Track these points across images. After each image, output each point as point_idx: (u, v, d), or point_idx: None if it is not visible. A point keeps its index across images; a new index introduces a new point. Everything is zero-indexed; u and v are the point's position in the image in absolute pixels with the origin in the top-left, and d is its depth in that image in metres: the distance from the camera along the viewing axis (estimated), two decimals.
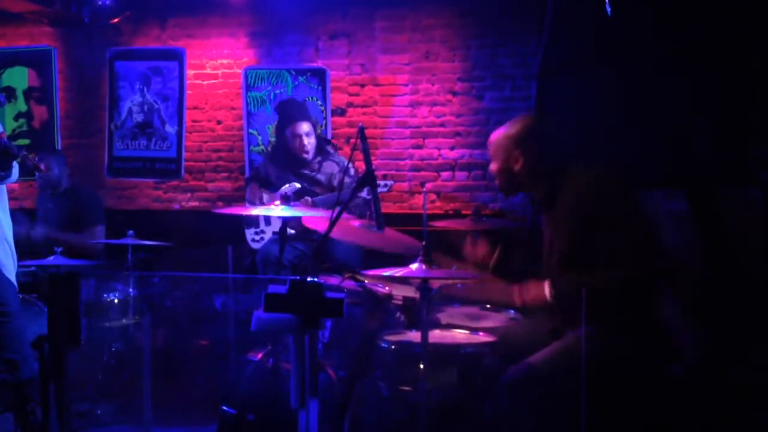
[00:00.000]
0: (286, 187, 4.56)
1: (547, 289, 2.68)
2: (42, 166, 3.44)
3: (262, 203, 4.69)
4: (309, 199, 4.47)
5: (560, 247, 2.75)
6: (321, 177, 4.60)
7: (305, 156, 4.57)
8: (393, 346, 2.86)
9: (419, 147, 5.59)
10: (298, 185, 4.52)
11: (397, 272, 2.54)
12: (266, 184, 4.76)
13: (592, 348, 2.47)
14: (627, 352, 2.60)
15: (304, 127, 4.56)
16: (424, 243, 2.55)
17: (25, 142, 6.24)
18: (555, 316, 2.80)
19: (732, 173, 4.00)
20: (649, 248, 2.64)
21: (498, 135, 2.86)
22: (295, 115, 4.67)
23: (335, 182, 4.57)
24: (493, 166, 2.87)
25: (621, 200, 2.68)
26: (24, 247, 4.34)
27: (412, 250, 2.63)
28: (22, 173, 3.77)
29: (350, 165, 4.61)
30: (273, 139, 5.79)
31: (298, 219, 3.62)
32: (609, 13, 4.06)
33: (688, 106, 4.08)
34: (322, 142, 4.72)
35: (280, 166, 4.71)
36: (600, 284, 2.56)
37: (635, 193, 2.74)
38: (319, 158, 4.63)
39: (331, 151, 4.74)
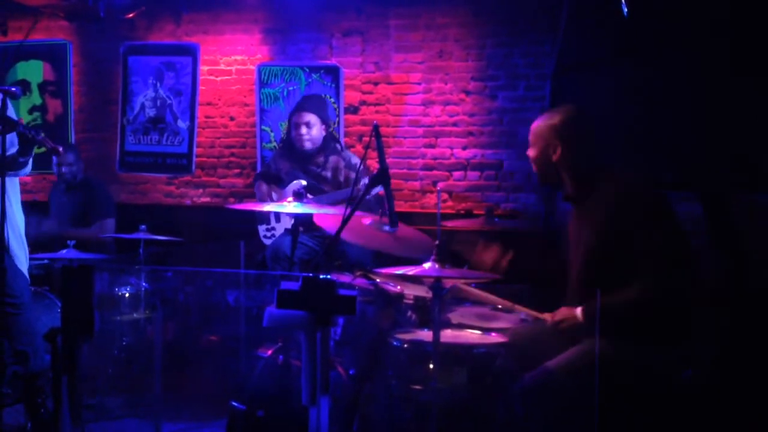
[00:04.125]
0: (293, 184, 4.57)
1: (580, 313, 2.65)
2: (60, 149, 3.46)
3: (272, 201, 4.69)
4: (309, 196, 4.47)
5: (589, 247, 2.72)
6: (327, 173, 4.61)
7: (300, 147, 4.59)
8: (405, 345, 2.85)
9: (432, 146, 5.58)
10: (304, 182, 4.53)
11: (410, 271, 2.54)
12: (276, 181, 4.76)
13: (608, 354, 2.46)
14: (643, 359, 2.58)
15: (307, 117, 4.59)
16: (437, 242, 2.55)
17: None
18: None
19: (746, 178, 3.97)
20: (681, 261, 2.60)
21: (540, 123, 2.86)
22: (304, 105, 4.70)
23: (341, 177, 4.57)
24: (531, 152, 2.87)
25: (659, 211, 2.64)
26: (35, 242, 4.36)
27: (424, 252, 2.62)
28: (36, 165, 3.78)
29: (358, 160, 4.61)
30: (283, 137, 5.80)
31: (308, 216, 3.63)
32: (625, 13, 4.04)
33: (704, 109, 4.06)
34: (329, 139, 4.73)
35: (288, 158, 4.73)
36: (631, 302, 2.55)
37: (670, 201, 2.71)
38: (325, 154, 4.64)
39: (338, 147, 4.75)
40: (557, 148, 2.77)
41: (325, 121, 4.69)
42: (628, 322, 2.58)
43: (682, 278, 2.59)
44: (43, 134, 3.35)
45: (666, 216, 2.65)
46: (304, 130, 4.58)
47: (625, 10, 3.82)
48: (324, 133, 4.66)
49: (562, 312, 2.72)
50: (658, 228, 2.59)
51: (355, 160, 4.71)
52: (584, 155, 2.77)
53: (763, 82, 3.91)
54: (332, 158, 4.64)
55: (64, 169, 5.01)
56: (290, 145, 4.75)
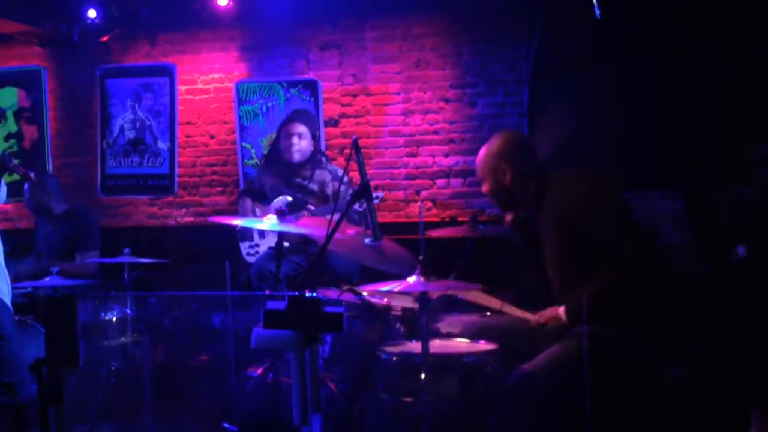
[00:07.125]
0: (278, 201, 4.54)
1: (562, 312, 2.72)
2: (32, 176, 3.42)
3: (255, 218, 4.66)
4: (311, 207, 4.46)
5: (552, 251, 2.77)
6: (314, 186, 4.59)
7: (289, 158, 4.57)
8: (394, 358, 2.84)
9: (413, 155, 5.58)
10: (290, 198, 4.51)
11: (396, 287, 2.54)
12: (260, 197, 4.74)
13: (592, 349, 2.47)
14: (628, 353, 2.60)
15: (299, 128, 4.58)
16: (421, 258, 2.55)
17: (16, 162, 6.21)
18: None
19: (727, 172, 4.00)
20: (641, 241, 2.67)
21: (482, 156, 2.96)
22: (295, 117, 4.69)
23: (328, 191, 4.56)
24: (485, 187, 2.96)
25: (606, 199, 2.75)
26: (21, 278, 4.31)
27: (409, 267, 2.63)
28: (11, 192, 3.74)
29: (344, 173, 4.61)
30: (267, 152, 5.78)
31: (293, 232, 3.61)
32: (598, 15, 4.07)
33: (682, 107, 4.09)
34: (315, 152, 4.72)
35: (274, 172, 4.71)
36: (607, 285, 2.60)
37: (621, 190, 2.80)
38: (310, 166, 4.63)
39: (323, 160, 4.74)
40: (506, 171, 2.86)
41: (313, 134, 4.70)
42: (608, 315, 2.61)
43: (646, 253, 2.66)
44: (14, 161, 3.32)
45: (617, 204, 2.76)
46: (295, 140, 4.58)
47: (598, 12, 3.85)
48: (312, 148, 4.66)
49: (547, 313, 2.75)
50: (612, 215, 2.69)
51: (341, 172, 4.71)
52: (531, 167, 2.87)
53: (741, 78, 3.95)
54: (318, 171, 4.62)
55: (27, 197, 4.87)
56: (276, 157, 4.74)
